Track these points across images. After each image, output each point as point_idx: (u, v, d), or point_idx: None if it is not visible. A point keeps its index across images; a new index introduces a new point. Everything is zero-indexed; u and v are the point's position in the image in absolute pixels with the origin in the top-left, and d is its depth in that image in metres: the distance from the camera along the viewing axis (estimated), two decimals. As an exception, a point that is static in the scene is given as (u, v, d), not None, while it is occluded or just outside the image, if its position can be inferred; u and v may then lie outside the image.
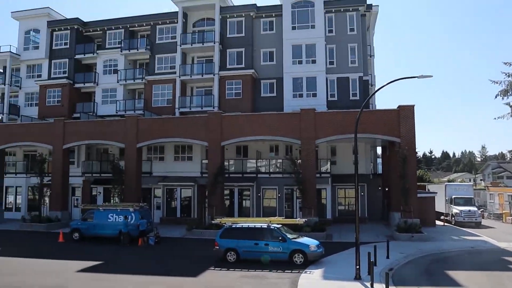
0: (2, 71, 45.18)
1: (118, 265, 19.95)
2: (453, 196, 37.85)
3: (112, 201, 36.25)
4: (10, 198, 40.73)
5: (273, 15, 38.64)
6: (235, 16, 38.99)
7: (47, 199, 35.66)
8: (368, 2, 37.82)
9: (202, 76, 38.40)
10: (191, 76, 38.68)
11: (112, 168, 33.17)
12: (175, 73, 39.37)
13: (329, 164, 34.24)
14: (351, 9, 37.43)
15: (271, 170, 34.61)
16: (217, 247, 20.26)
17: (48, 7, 43.90)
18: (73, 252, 23.44)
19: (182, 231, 30.41)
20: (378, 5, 40.40)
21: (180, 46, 39.15)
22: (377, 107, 43.00)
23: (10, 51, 43.09)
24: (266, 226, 20.15)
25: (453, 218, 36.18)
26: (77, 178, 37.90)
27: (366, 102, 19.07)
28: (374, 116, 29.69)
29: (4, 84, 42.99)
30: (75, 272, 18.41)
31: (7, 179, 39.16)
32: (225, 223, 21.62)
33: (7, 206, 39.80)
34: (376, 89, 39.06)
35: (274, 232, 19.82)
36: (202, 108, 37.48)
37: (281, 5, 38.21)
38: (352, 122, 28.35)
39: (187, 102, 38.67)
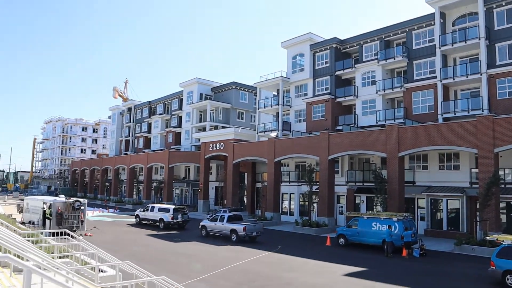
0: (276, 93, 51.99)
1: (382, 274, 19.87)
2: None
3: (374, 209, 36.83)
4: (285, 203, 46.14)
5: (558, -7, 32.32)
6: (503, 4, 34.29)
7: (315, 205, 38.95)
8: None
9: (467, 77, 35.07)
10: (453, 79, 35.86)
11: (374, 177, 33.62)
12: (435, 77, 37.26)
13: None
14: None
15: (562, 180, 28.74)
16: (493, 268, 17.89)
17: (309, 33, 48.28)
18: (339, 256, 24.65)
19: (449, 245, 28.26)
20: None
21: (440, 48, 36.86)
22: None
23: (281, 76, 49.17)
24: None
25: None
26: (341, 186, 39.94)
27: None
28: None
29: (278, 105, 49.34)
30: (341, 275, 19.35)
31: (283, 187, 44.62)
32: (502, 240, 18.99)
33: (282, 210, 45.34)
34: None
35: None
36: (468, 112, 34.19)
37: None
38: None
39: (450, 106, 35.98)
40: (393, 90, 40.35)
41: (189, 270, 19.75)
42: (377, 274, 19.78)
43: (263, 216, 42.03)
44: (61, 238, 14.44)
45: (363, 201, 39.14)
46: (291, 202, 45.87)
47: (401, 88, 39.68)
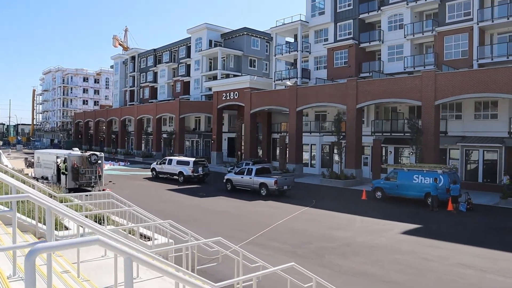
0: (293, 39, 49.08)
1: (442, 232, 18.43)
2: None
3: (399, 160, 35.49)
4: (305, 155, 44.45)
5: None
6: None
7: (338, 157, 37.25)
8: None
9: (508, 19, 32.48)
10: (492, 21, 33.29)
11: (409, 127, 31.79)
12: (471, 20, 34.66)
13: None
14: None
15: None
16: None
17: (331, -28, 44.78)
18: (381, 211, 23.28)
19: (490, 198, 27.08)
20: None
21: (478, -14, 34.07)
22: None
23: (300, 20, 46.14)
24: None
25: None
26: (367, 137, 38.11)
27: None
28: None
29: (297, 51, 46.59)
30: (398, 233, 17.96)
31: (303, 138, 42.60)
32: None
33: (303, 162, 43.66)
34: None
35: None
36: (507, 58, 32.01)
37: None
38: None
39: (486, 51, 33.67)
40: (423, 34, 37.79)
41: (232, 231, 18.29)
42: (436, 232, 18.37)
43: (285, 168, 40.49)
44: (107, 202, 12.69)
45: (390, 152, 37.52)
46: (312, 153, 44.25)
47: (432, 32, 37.12)
